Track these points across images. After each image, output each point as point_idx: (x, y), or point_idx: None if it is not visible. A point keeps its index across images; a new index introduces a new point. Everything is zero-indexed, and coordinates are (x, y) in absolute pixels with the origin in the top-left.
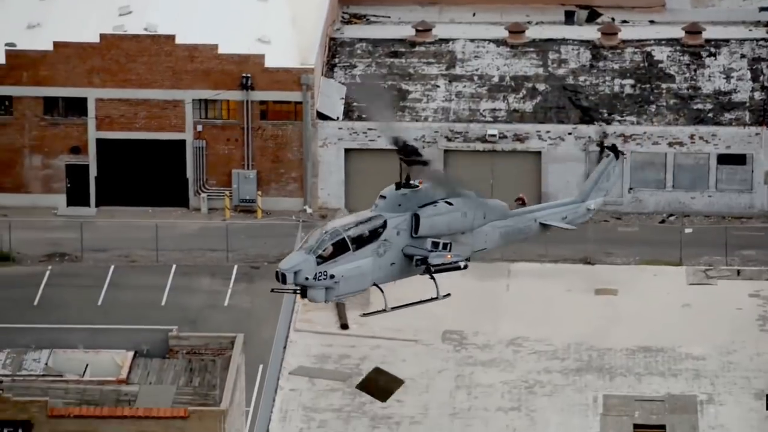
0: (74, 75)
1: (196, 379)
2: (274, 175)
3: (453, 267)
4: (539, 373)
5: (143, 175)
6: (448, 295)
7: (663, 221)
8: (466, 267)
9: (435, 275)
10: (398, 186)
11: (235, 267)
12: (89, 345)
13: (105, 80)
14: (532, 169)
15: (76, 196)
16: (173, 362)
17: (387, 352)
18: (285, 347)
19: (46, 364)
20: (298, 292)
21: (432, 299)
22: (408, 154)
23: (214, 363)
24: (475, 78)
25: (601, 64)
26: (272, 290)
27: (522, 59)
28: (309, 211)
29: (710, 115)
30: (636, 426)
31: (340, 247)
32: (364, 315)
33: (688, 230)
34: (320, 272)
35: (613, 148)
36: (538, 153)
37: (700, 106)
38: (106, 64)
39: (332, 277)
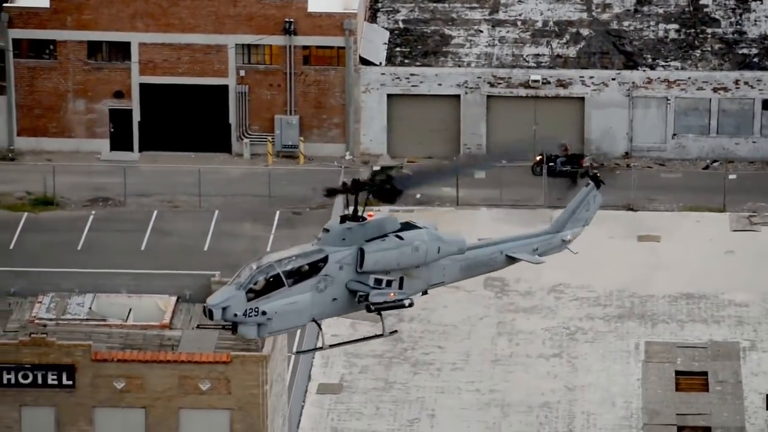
0: (118, 19)
1: None
2: (317, 121)
3: (396, 305)
4: (581, 319)
5: (186, 120)
6: (395, 331)
7: (707, 167)
8: (411, 305)
9: (381, 312)
10: (343, 219)
11: (277, 213)
12: (132, 289)
13: (148, 24)
14: (575, 115)
15: (120, 141)
16: None
17: (429, 298)
18: None
19: (90, 308)
20: (228, 327)
21: (377, 336)
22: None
23: None
24: (519, 23)
25: (645, 8)
26: (198, 326)
27: (566, 4)
28: (350, 157)
29: (755, 60)
30: (678, 372)
31: (274, 283)
32: (298, 353)
33: (732, 176)
34: (251, 308)
35: (594, 178)
36: (582, 99)
37: (745, 51)
38: (149, 9)
39: (264, 313)
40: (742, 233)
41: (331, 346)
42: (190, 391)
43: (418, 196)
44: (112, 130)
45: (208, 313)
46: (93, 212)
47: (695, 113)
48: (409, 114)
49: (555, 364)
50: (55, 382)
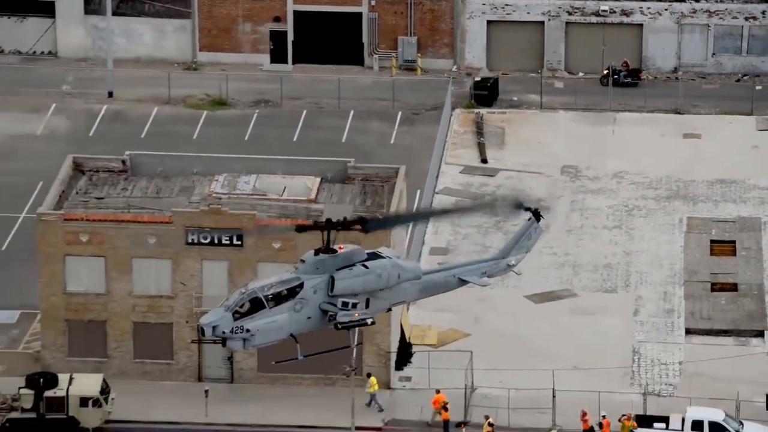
0: None
1: (368, 199)
2: (431, 41)
3: (360, 324)
4: (637, 199)
5: (329, 39)
6: (360, 344)
7: (738, 80)
8: (373, 323)
9: (348, 329)
10: (317, 252)
11: (399, 113)
12: (287, 172)
13: None
14: (635, 38)
15: (278, 56)
16: (351, 187)
17: (517, 182)
18: (437, 176)
19: (254, 186)
20: (218, 342)
21: (344, 347)
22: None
23: (382, 188)
24: None
25: None
26: (192, 341)
27: None
28: (456, 70)
29: None
30: (712, 241)
31: (256, 305)
32: (277, 362)
33: (758, 87)
34: (237, 327)
35: (535, 212)
36: (640, 25)
37: None
38: None
39: (248, 330)
40: (765, 132)
41: (306, 356)
42: None
43: (515, 98)
44: (271, 47)
45: (201, 331)
46: (257, 111)
47: (730, 37)
48: (503, 36)
49: (616, 234)
50: (228, 242)
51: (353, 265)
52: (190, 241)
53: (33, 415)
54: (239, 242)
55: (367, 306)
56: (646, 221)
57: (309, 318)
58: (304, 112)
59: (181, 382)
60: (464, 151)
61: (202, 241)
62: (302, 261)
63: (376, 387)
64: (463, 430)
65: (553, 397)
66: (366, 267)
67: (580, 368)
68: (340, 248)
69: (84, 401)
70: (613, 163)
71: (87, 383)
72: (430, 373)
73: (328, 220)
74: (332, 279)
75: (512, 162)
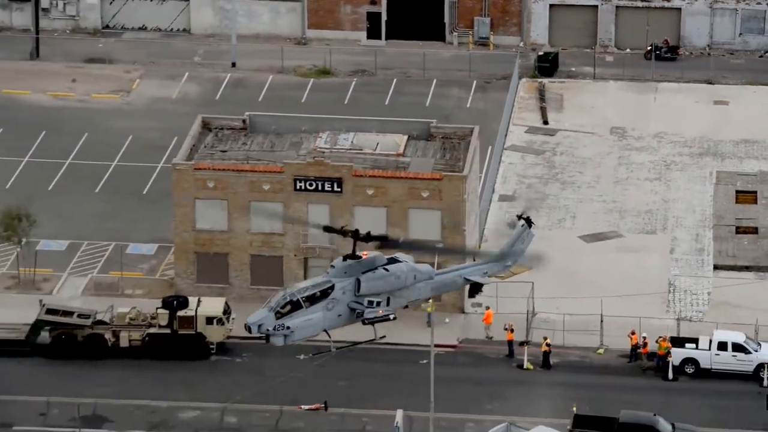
0: None
1: (447, 154)
2: (502, 21)
3: (384, 319)
4: (674, 155)
5: (416, 19)
6: (384, 336)
7: (761, 56)
8: (395, 318)
9: (374, 324)
10: (345, 258)
11: (474, 82)
12: (379, 130)
13: None
14: (674, 20)
15: (373, 33)
16: (433, 143)
17: (573, 140)
18: (506, 135)
19: (352, 141)
20: (262, 339)
21: (371, 341)
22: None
23: (459, 144)
24: None
25: None
26: (247, 336)
27: None
28: (523, 45)
29: None
30: (737, 191)
31: (295, 306)
32: (313, 355)
33: None
34: (279, 324)
35: (527, 219)
36: (679, 9)
37: None
38: None
39: (288, 327)
40: None
41: (338, 348)
42: (415, 197)
43: (572, 69)
44: (368, 26)
45: (248, 329)
46: (355, 80)
47: (755, 19)
48: (563, 17)
49: (656, 184)
50: (329, 189)
51: (376, 268)
52: (298, 187)
53: (168, 331)
54: (339, 189)
55: (388, 304)
56: (681, 174)
57: (339, 315)
58: (395, 80)
59: None
60: (528, 114)
61: (308, 187)
62: (332, 266)
63: (433, 308)
64: (525, 348)
65: (601, 321)
66: (387, 270)
67: (624, 297)
68: (364, 254)
69: (209, 320)
70: (654, 125)
71: (212, 305)
72: (498, 300)
73: (355, 231)
74: (359, 281)
75: (569, 123)
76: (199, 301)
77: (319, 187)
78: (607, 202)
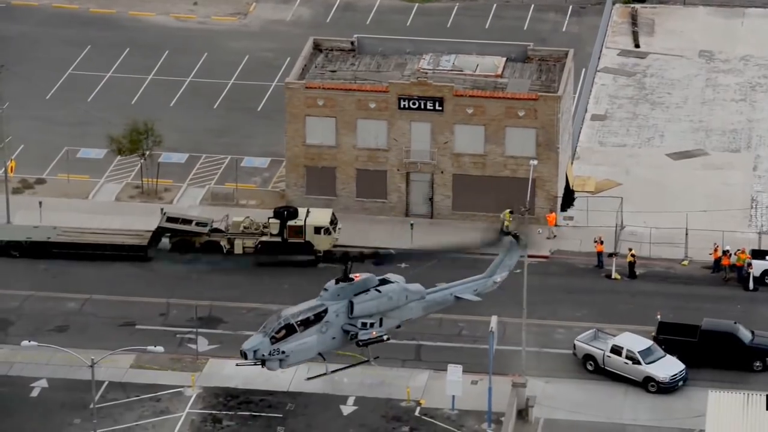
0: None
1: (543, 76)
2: None
3: (378, 341)
4: (759, 77)
5: None
6: (377, 357)
7: None
8: (388, 339)
9: (367, 345)
10: (337, 281)
11: (570, 7)
12: (479, 53)
13: None
14: None
15: None
16: (530, 65)
17: (662, 63)
18: (599, 58)
19: (453, 63)
20: (257, 364)
21: (365, 362)
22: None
23: (555, 66)
24: None
25: None
26: (237, 365)
27: None
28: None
29: None
30: None
31: (290, 330)
32: (309, 378)
33: None
34: (274, 350)
35: (515, 236)
36: None
37: None
38: None
39: (283, 352)
40: None
41: (333, 371)
42: (512, 116)
43: None
44: None
45: (243, 355)
46: (456, 4)
47: None
48: None
49: (741, 105)
50: (431, 108)
51: (368, 290)
52: (401, 106)
53: (278, 239)
54: (440, 108)
55: (380, 324)
56: (765, 95)
57: (333, 338)
58: (494, 5)
59: (392, 217)
60: (621, 38)
61: (411, 106)
62: (325, 290)
63: (509, 222)
64: (614, 259)
65: (686, 234)
66: (379, 291)
67: (708, 212)
68: (356, 277)
69: (317, 229)
70: (741, 49)
71: (320, 216)
72: (588, 214)
73: (345, 254)
74: (351, 303)
75: (659, 47)
76: (308, 211)
77: (422, 106)
78: (694, 122)
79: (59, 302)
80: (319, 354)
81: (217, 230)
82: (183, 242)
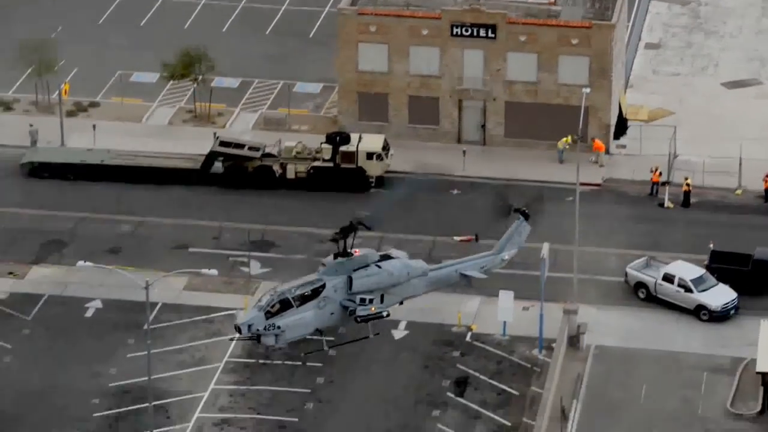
0: None
1: (597, 4)
2: None
3: (377, 317)
4: None
5: None
6: (378, 334)
7: None
8: (388, 315)
9: (367, 321)
10: (335, 256)
11: None
12: None
13: None
14: None
15: None
16: None
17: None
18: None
19: None
20: (253, 339)
21: (364, 338)
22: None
23: None
24: None
25: None
26: (230, 339)
27: None
28: None
29: None
30: None
31: (285, 305)
32: (305, 354)
33: None
34: (269, 324)
35: (524, 213)
36: None
37: None
38: None
39: (279, 327)
40: None
41: (331, 347)
42: (565, 44)
43: None
44: None
45: (237, 330)
46: None
47: None
48: None
49: None
50: (484, 35)
51: (368, 266)
52: (454, 33)
53: (331, 164)
54: (493, 35)
55: (382, 301)
56: None
57: (332, 314)
58: None
59: (444, 144)
60: None
61: (464, 33)
62: (323, 265)
63: (566, 144)
64: (666, 188)
65: (740, 163)
66: (379, 267)
67: (762, 141)
68: (355, 252)
69: (369, 155)
70: None
71: (372, 141)
72: (641, 142)
73: (342, 229)
74: (350, 279)
75: None
76: (360, 137)
77: (474, 33)
78: (748, 51)
79: (113, 225)
80: (317, 330)
81: (269, 155)
82: (235, 167)
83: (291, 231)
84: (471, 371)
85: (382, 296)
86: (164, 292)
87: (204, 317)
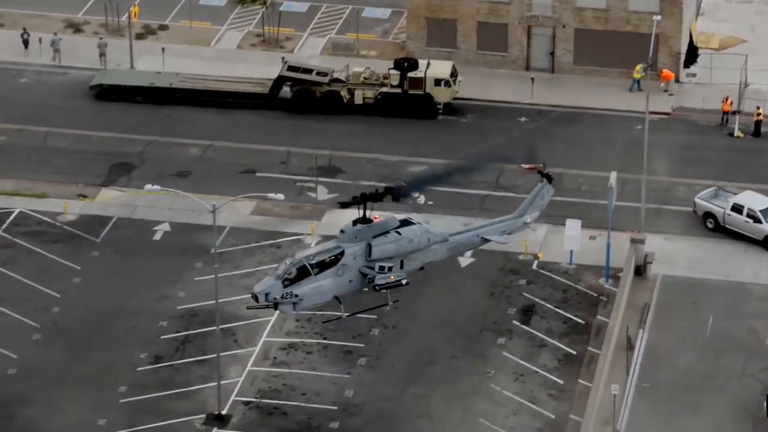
0: None
1: None
2: None
3: (396, 285)
4: None
5: None
6: (397, 301)
7: None
8: (407, 283)
9: (386, 289)
10: (355, 222)
11: None
12: None
13: None
14: None
15: None
16: None
17: None
18: None
19: None
20: (270, 307)
21: (383, 305)
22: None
23: None
24: None
25: None
26: (248, 307)
27: None
28: None
29: None
30: None
31: (303, 273)
32: (325, 322)
33: None
34: (286, 293)
35: (547, 175)
36: None
37: None
38: None
39: (296, 295)
40: None
41: (349, 315)
42: None
43: None
44: None
45: (254, 298)
46: None
47: None
48: None
49: None
50: None
51: (387, 232)
52: None
53: (398, 90)
54: None
55: (401, 267)
56: None
57: (350, 281)
58: None
59: (513, 71)
60: None
61: None
62: (342, 231)
63: (640, 75)
64: (737, 117)
65: None
66: (399, 233)
67: None
68: (375, 218)
69: (437, 81)
70: None
71: (440, 68)
72: (712, 71)
73: (363, 195)
74: (369, 246)
75: None
76: (428, 63)
77: None
78: None
79: (181, 148)
80: (335, 297)
81: (337, 80)
82: (303, 92)
83: (358, 157)
84: (537, 299)
85: (402, 262)
86: (232, 217)
87: (271, 242)
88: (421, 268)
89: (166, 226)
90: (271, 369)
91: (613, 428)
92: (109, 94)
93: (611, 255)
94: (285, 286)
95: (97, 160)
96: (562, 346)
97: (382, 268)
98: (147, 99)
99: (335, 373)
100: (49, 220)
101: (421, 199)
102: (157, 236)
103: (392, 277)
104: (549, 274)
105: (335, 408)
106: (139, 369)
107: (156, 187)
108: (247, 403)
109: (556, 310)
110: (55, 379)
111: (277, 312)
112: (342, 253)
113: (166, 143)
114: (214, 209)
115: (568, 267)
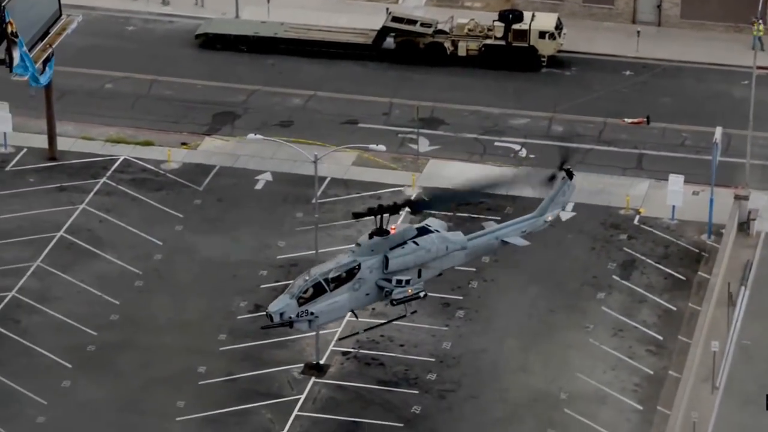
0: None
1: None
2: None
3: (413, 299)
4: None
5: None
6: (415, 311)
7: None
8: (425, 296)
9: (403, 303)
10: (371, 235)
11: None
12: None
13: None
14: None
15: None
16: None
17: None
18: None
19: None
20: (286, 325)
21: (401, 317)
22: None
23: None
24: None
25: None
26: (262, 327)
27: None
28: None
29: None
30: None
31: (319, 290)
32: (340, 339)
33: None
34: (302, 311)
35: (568, 171)
36: None
37: None
38: None
39: (312, 313)
40: None
41: (366, 330)
42: None
43: None
44: None
45: (269, 317)
46: None
47: None
48: None
49: None
50: None
51: (405, 243)
52: None
53: (502, 42)
54: None
55: (419, 276)
56: None
57: (367, 295)
58: None
59: (619, 23)
60: None
61: None
62: (358, 245)
63: (762, 32)
64: None
65: None
66: (416, 244)
67: None
68: (392, 229)
69: (542, 34)
70: None
71: (545, 20)
72: None
73: (380, 206)
74: (386, 258)
75: None
76: (533, 15)
77: None
78: None
79: (284, 98)
80: (352, 311)
81: (441, 32)
82: (407, 43)
83: (460, 109)
84: (638, 255)
85: (419, 271)
86: (332, 167)
87: (371, 193)
88: (440, 274)
89: (267, 176)
90: (370, 320)
91: (712, 385)
92: (214, 43)
93: (714, 211)
94: (300, 305)
95: (200, 109)
96: (662, 301)
97: (399, 281)
98: (251, 48)
99: (433, 325)
100: (152, 168)
101: (523, 152)
102: (259, 185)
103: (410, 291)
104: (650, 229)
105: (432, 360)
106: (238, 317)
107: (258, 136)
108: (345, 354)
109: (657, 265)
110: (156, 326)
111: None
112: (358, 267)
113: (269, 93)
114: (316, 159)
115: (670, 222)
